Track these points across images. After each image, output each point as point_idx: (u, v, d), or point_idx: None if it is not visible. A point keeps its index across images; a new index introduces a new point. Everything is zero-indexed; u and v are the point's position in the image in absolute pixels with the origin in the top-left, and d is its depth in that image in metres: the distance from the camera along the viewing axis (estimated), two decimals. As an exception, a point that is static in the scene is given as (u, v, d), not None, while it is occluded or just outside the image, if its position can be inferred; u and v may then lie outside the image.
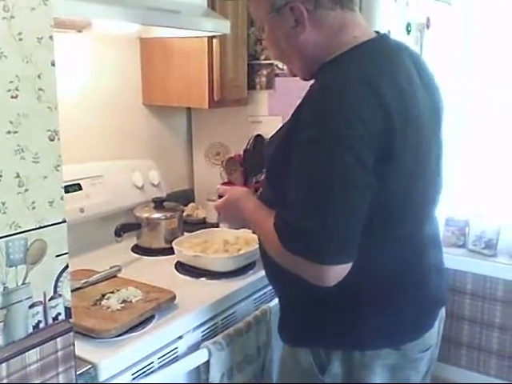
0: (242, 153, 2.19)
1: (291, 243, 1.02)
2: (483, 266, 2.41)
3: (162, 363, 1.31)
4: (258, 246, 1.70)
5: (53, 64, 0.93)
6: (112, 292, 1.42)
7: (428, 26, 2.16)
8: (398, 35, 1.96)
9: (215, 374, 1.39)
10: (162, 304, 1.39)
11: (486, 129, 2.52)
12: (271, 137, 1.23)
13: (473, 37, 2.47)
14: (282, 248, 1.03)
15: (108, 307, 1.35)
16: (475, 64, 2.49)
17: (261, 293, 1.66)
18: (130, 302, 1.38)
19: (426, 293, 1.18)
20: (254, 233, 1.52)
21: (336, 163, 0.97)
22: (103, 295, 1.40)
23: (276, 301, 1.60)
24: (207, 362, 1.37)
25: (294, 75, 1.22)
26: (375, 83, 1.00)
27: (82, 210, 1.74)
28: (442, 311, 1.26)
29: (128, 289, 1.43)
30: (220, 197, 1.34)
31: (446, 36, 2.33)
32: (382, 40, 1.14)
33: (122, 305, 1.36)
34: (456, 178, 2.49)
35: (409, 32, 2.04)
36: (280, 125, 1.22)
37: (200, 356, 1.36)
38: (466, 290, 2.47)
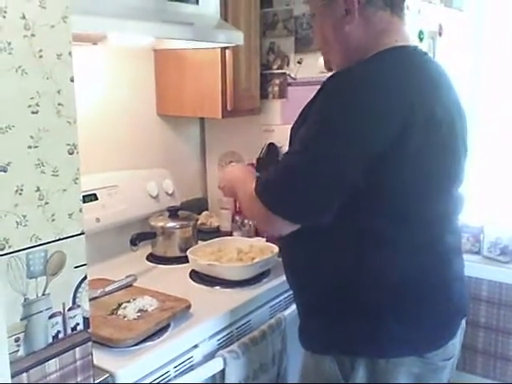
0: (254, 161, 2.20)
1: (260, 191, 1.14)
2: (498, 273, 2.39)
3: (178, 372, 1.32)
4: (271, 254, 1.72)
5: (72, 80, 0.95)
6: (128, 301, 1.43)
7: (440, 34, 2.15)
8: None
9: (231, 383, 1.40)
10: (177, 313, 1.40)
11: (500, 135, 2.50)
12: (295, 123, 1.27)
13: (485, 43, 2.46)
14: (253, 195, 1.15)
15: (124, 316, 1.37)
16: (488, 70, 2.48)
17: (275, 301, 1.67)
18: (146, 311, 1.40)
19: (448, 303, 1.18)
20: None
21: (337, 145, 1.03)
22: (120, 304, 1.42)
23: (291, 309, 1.61)
24: (223, 371, 1.38)
25: (329, 69, 1.27)
26: (405, 85, 1.06)
27: (98, 220, 1.77)
28: (463, 321, 1.26)
29: (144, 298, 1.45)
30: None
31: (458, 43, 2.32)
32: (416, 48, 1.19)
33: (139, 314, 1.38)
34: (470, 184, 2.47)
35: (421, 39, 2.03)
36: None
37: (215, 365, 1.37)
38: (482, 297, 2.45)
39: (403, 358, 1.12)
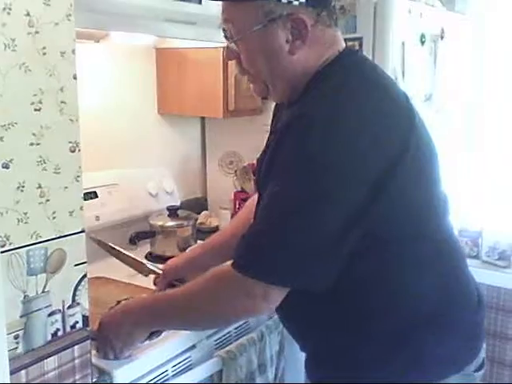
0: (255, 162, 2.20)
1: (245, 260, 0.97)
2: (497, 278, 2.39)
3: (175, 372, 1.32)
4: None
5: (75, 77, 0.95)
6: (127, 299, 1.43)
7: (442, 37, 2.16)
8: (412, 46, 1.97)
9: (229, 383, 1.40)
10: (176, 312, 1.40)
11: (500, 140, 2.51)
12: (260, 156, 1.16)
13: (487, 47, 2.47)
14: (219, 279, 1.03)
15: (123, 315, 1.36)
16: (489, 75, 2.48)
17: (274, 302, 1.67)
18: (145, 310, 1.39)
19: (474, 304, 1.12)
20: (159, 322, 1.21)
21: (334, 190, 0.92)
22: (118, 302, 1.41)
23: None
24: (220, 371, 1.38)
25: (264, 98, 1.16)
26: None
27: (97, 218, 1.77)
28: None
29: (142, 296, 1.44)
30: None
31: (460, 47, 2.33)
32: (355, 50, 1.14)
33: (137, 313, 1.37)
34: (469, 188, 2.48)
35: (423, 43, 2.04)
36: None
37: (213, 365, 1.37)
38: (480, 302, 2.45)
39: (447, 379, 1.04)
